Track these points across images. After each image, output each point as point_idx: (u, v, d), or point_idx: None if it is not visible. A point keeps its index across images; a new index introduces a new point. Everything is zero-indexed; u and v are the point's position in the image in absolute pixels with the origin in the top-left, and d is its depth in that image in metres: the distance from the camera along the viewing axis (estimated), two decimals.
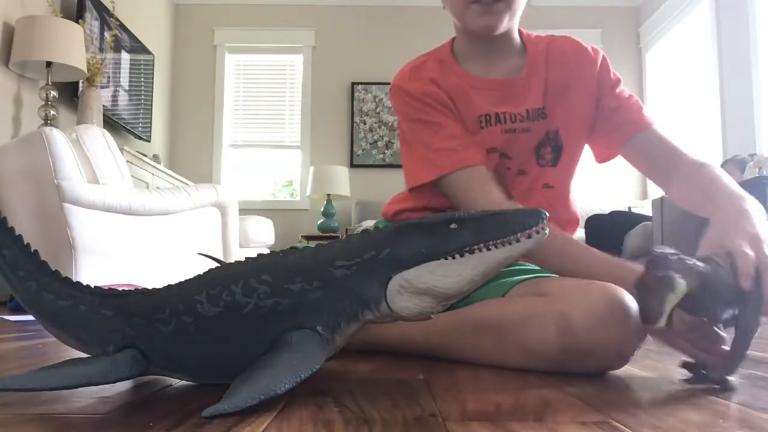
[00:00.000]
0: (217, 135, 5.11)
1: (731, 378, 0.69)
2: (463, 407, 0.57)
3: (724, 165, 3.52)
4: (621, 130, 1.03)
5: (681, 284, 0.62)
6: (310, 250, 0.66)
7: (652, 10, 4.93)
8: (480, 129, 1.01)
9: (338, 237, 4.71)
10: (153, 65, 4.54)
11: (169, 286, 0.67)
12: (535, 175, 1.04)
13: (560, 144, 1.03)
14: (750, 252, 0.68)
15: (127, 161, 3.22)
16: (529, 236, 0.61)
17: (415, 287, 0.62)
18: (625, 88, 1.06)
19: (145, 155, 3.84)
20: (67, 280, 0.70)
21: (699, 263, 0.65)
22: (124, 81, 4.08)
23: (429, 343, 0.91)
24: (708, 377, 0.70)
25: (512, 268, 0.99)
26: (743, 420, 0.53)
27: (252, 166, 5.32)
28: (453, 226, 0.62)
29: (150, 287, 0.68)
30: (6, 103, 3.00)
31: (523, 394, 0.64)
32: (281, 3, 5.16)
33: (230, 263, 0.67)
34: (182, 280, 0.67)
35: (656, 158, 1.01)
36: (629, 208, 4.01)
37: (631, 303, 0.74)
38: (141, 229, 2.81)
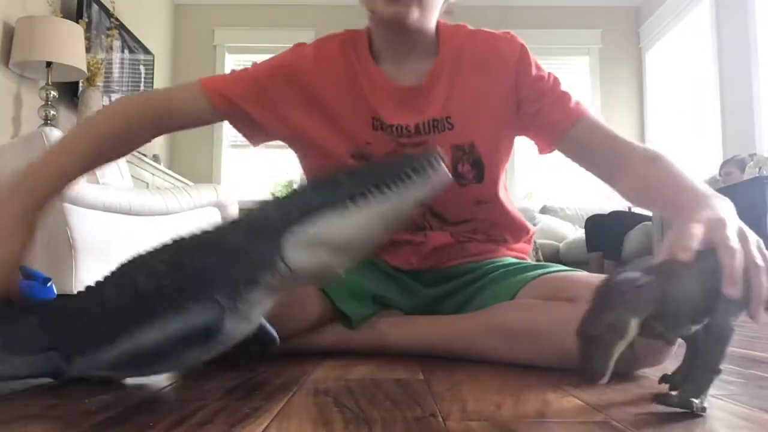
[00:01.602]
0: (217, 135, 5.11)
1: (700, 401, 0.53)
2: (463, 407, 0.57)
3: (724, 165, 3.52)
4: (549, 133, 0.94)
5: (631, 324, 0.50)
6: (213, 225, 0.66)
7: (652, 10, 4.93)
8: (373, 130, 0.94)
9: None
10: (153, 65, 4.54)
11: (88, 286, 0.68)
12: (461, 192, 0.96)
13: (479, 158, 0.94)
14: (735, 245, 0.55)
15: (127, 161, 3.22)
16: (421, 173, 0.58)
17: (309, 241, 0.60)
18: (549, 81, 0.94)
19: (145, 155, 3.84)
20: None
21: (651, 281, 0.51)
22: (124, 81, 4.08)
23: (451, 349, 0.90)
24: (670, 400, 0.54)
25: (517, 266, 0.98)
26: (744, 420, 0.53)
27: (252, 166, 5.32)
28: (341, 176, 0.61)
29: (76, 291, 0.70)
30: (6, 103, 3.00)
31: (523, 394, 0.64)
32: (281, 3, 5.16)
33: (140, 252, 0.66)
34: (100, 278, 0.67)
35: (596, 152, 0.92)
36: (629, 208, 4.01)
37: None
38: (141, 229, 2.81)
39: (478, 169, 0.95)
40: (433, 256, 1.01)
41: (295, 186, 0.65)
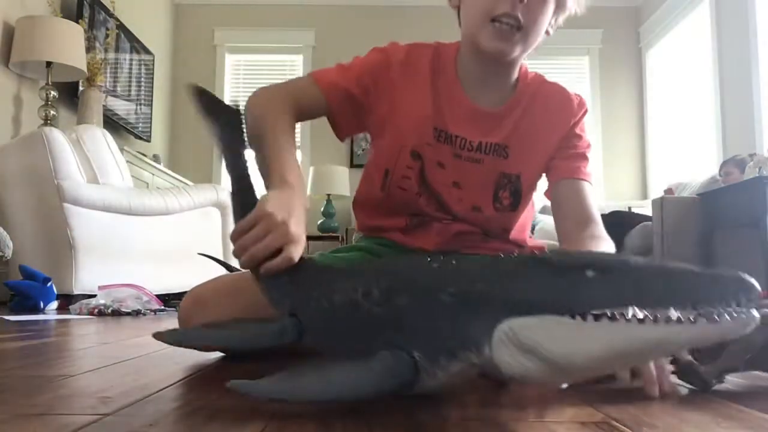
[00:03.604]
0: None
1: (711, 383, 0.67)
2: (463, 407, 0.57)
3: (724, 165, 3.52)
4: (552, 173, 1.02)
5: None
6: (434, 261, 0.60)
7: (652, 10, 4.93)
8: (434, 139, 0.99)
9: (338, 237, 4.71)
10: (153, 65, 4.54)
11: (332, 268, 0.69)
12: (492, 217, 1.01)
13: (519, 189, 1.01)
14: None
15: (127, 161, 3.22)
16: (720, 318, 0.43)
17: (521, 342, 0.49)
18: (584, 143, 1.03)
19: (145, 155, 3.84)
20: None
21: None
22: (124, 81, 4.08)
23: None
24: (694, 373, 0.67)
25: None
26: (743, 420, 0.53)
27: (252, 166, 5.31)
28: (590, 273, 0.47)
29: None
30: (6, 103, 3.00)
31: (523, 395, 0.64)
32: (281, 3, 5.16)
33: (378, 260, 0.65)
34: (349, 265, 0.68)
35: (562, 213, 1.00)
36: (629, 208, 4.01)
37: None
38: (141, 229, 2.81)
39: (515, 198, 1.02)
40: (456, 239, 1.03)
41: (534, 252, 0.54)
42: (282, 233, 0.71)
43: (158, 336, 0.69)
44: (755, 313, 0.44)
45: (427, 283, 0.57)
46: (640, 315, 0.44)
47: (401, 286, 0.58)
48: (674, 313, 0.44)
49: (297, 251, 0.72)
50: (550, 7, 0.92)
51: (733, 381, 0.74)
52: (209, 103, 0.85)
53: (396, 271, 0.61)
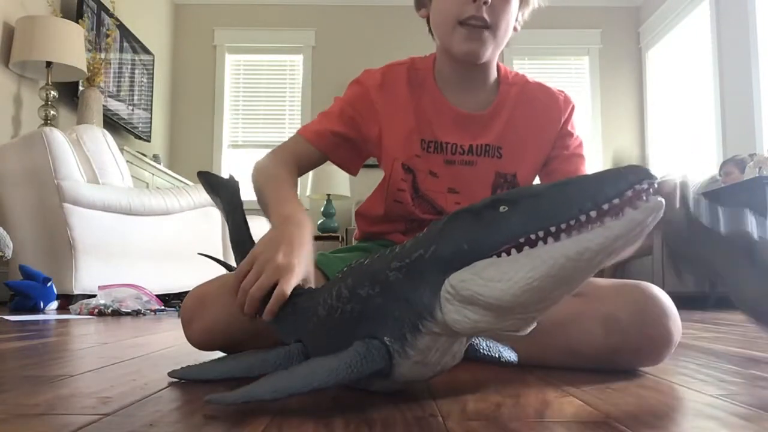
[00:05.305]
0: (217, 135, 5.11)
1: None
2: (463, 407, 0.58)
3: (724, 165, 3.52)
4: (553, 177, 1.03)
5: None
6: (384, 249, 0.62)
7: (652, 10, 4.93)
8: (422, 151, 1.01)
9: (338, 237, 4.71)
10: (153, 65, 4.55)
11: (321, 287, 0.70)
12: None
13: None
14: None
15: (127, 161, 3.22)
16: (621, 213, 0.43)
17: (461, 295, 0.49)
18: (576, 140, 1.05)
19: (145, 155, 3.84)
20: None
21: None
22: (124, 81, 4.08)
23: None
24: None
25: None
26: (743, 420, 0.53)
27: (251, 166, 5.32)
28: (502, 208, 0.48)
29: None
30: (6, 103, 3.00)
31: (523, 394, 0.64)
32: (281, 3, 5.16)
33: (353, 265, 0.65)
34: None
35: None
36: None
37: (665, 299, 0.79)
38: (141, 229, 2.81)
39: None
40: None
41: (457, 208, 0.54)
42: (272, 269, 0.72)
43: (173, 374, 0.71)
44: (660, 198, 0.44)
45: (377, 267, 0.59)
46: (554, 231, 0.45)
47: (360, 278, 0.60)
48: (580, 222, 0.44)
49: (289, 282, 0.72)
50: (514, 4, 0.95)
51: (734, 381, 0.74)
52: (212, 180, 0.92)
53: (357, 266, 0.63)
